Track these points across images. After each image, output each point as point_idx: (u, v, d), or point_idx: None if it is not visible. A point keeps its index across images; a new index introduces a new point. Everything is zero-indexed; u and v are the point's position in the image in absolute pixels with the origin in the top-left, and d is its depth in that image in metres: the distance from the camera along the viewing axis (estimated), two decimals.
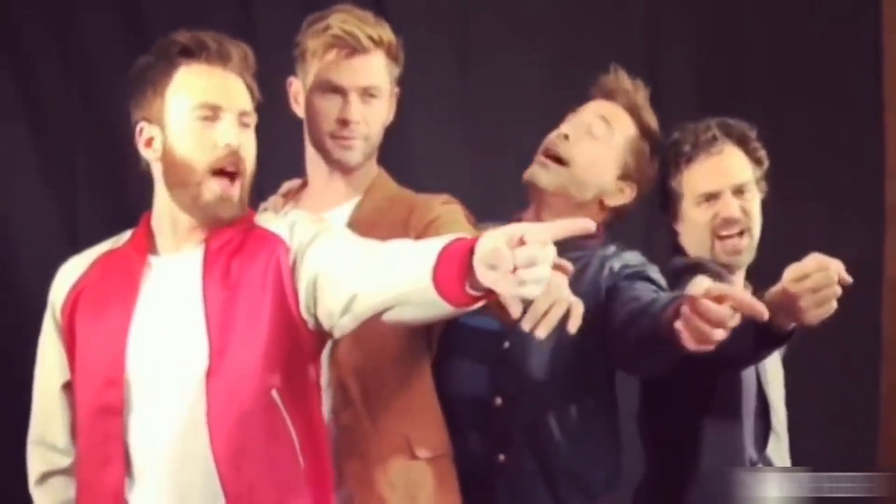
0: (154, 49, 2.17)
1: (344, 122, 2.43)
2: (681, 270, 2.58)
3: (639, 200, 2.65)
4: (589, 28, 3.61)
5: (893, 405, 3.68)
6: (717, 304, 1.96)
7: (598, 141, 2.58)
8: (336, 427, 2.35)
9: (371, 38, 2.41)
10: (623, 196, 2.61)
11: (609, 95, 2.63)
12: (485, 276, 1.75)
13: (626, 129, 2.60)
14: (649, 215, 3.54)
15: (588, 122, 2.59)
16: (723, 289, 2.00)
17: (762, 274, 2.65)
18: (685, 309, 1.99)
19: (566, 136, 2.58)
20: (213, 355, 2.09)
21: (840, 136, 3.66)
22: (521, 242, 1.71)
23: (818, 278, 2.03)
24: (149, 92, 2.15)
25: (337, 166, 2.47)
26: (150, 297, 2.15)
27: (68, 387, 2.22)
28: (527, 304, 1.82)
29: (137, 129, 2.17)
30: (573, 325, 1.86)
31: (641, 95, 2.64)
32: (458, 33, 3.61)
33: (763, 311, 1.97)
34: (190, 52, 2.13)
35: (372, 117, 2.45)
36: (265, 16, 3.53)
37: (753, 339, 2.16)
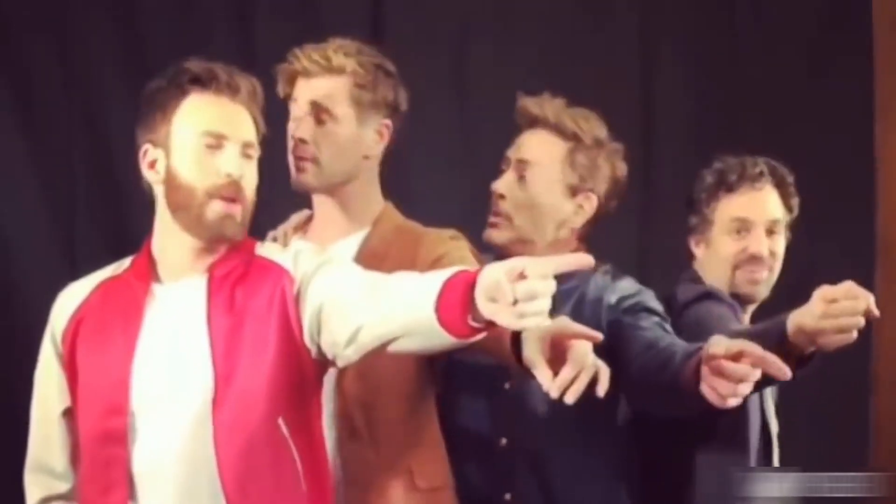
0: (165, 74, 2.20)
1: (294, 140, 2.46)
2: (691, 299, 2.59)
3: (606, 205, 2.61)
4: (586, 62, 3.64)
5: (883, 435, 3.69)
6: (737, 363, 1.97)
7: (530, 183, 2.56)
8: (340, 457, 2.36)
9: (316, 63, 2.43)
10: (584, 211, 2.58)
11: (530, 124, 2.60)
12: (485, 308, 1.78)
13: (552, 153, 2.56)
14: (641, 238, 3.57)
15: (518, 169, 2.57)
16: (740, 345, 2.00)
17: (772, 302, 2.67)
18: (705, 371, 2.01)
19: (502, 196, 2.56)
20: (219, 383, 2.11)
21: (832, 170, 3.68)
22: (522, 276, 1.74)
23: (846, 305, 2.05)
24: (157, 115, 2.17)
25: (297, 188, 2.49)
26: (154, 325, 2.17)
27: (68, 413, 2.23)
28: (555, 370, 1.88)
29: (142, 150, 2.20)
30: (601, 390, 1.89)
31: (555, 107, 2.58)
32: (456, 64, 3.63)
33: (784, 370, 1.97)
34: (200, 81, 2.16)
35: (326, 140, 2.44)
36: (263, 41, 3.55)
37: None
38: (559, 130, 2.56)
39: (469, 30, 3.70)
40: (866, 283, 3.59)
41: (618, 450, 2.57)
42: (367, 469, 2.37)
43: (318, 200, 2.53)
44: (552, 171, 2.55)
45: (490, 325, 1.83)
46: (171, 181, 2.16)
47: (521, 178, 2.56)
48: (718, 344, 2.01)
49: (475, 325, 1.85)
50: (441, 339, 1.90)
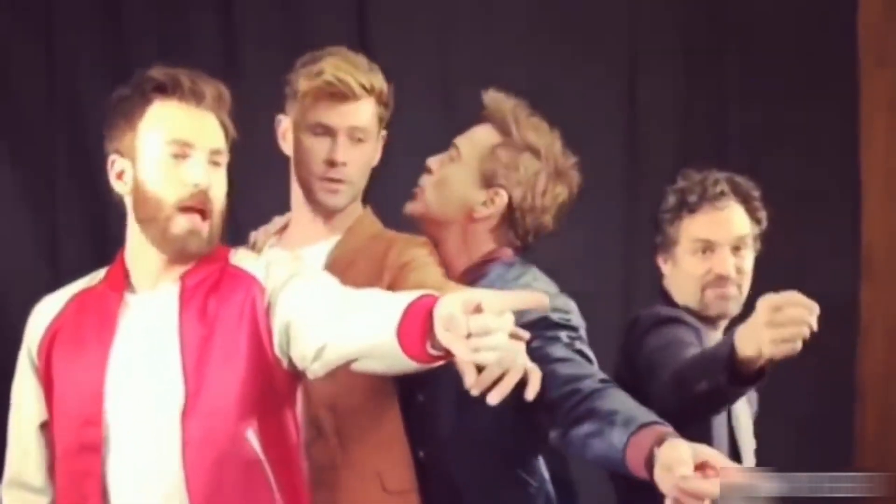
0: (130, 82, 2.17)
1: (331, 163, 2.46)
2: (651, 325, 2.55)
3: (525, 215, 2.52)
4: (571, 72, 3.66)
5: (868, 441, 3.70)
6: (704, 482, 1.93)
7: (451, 163, 2.56)
8: (308, 460, 2.34)
9: (363, 86, 2.45)
10: (493, 205, 2.52)
11: (485, 118, 2.59)
12: (443, 338, 1.78)
13: (480, 143, 2.55)
14: (630, 260, 3.56)
15: (450, 151, 2.59)
16: (701, 455, 1.96)
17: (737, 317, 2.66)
18: (674, 489, 1.94)
19: (430, 170, 2.59)
20: (189, 394, 2.09)
21: (817, 179, 3.70)
22: (479, 310, 1.73)
23: (791, 313, 2.03)
24: (122, 125, 2.15)
25: (320, 209, 2.50)
26: (128, 335, 2.14)
27: (45, 426, 2.20)
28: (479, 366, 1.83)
29: (109, 161, 2.17)
30: (531, 393, 1.87)
31: (502, 102, 2.56)
32: (442, 74, 3.64)
33: (752, 482, 1.93)
34: (163, 89, 2.13)
35: (359, 160, 2.49)
36: (249, 51, 3.56)
37: (725, 378, 2.16)
38: (495, 122, 2.56)
39: (454, 41, 3.71)
40: (851, 290, 3.66)
41: (539, 480, 2.50)
42: (335, 471, 2.37)
43: (299, 206, 2.54)
44: (473, 155, 2.54)
45: (449, 353, 1.81)
46: (138, 192, 2.14)
47: (449, 158, 2.57)
48: (683, 462, 1.94)
49: (434, 352, 1.84)
50: (403, 362, 1.89)
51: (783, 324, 2.03)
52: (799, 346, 2.04)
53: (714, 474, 1.93)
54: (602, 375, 2.27)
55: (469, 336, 1.72)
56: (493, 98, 2.58)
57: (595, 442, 2.15)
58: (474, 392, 1.85)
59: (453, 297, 1.78)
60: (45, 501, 2.22)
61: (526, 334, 1.91)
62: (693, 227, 2.66)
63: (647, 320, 2.59)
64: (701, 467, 1.94)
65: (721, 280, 2.64)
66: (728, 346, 2.14)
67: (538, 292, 1.84)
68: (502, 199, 2.52)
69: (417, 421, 2.47)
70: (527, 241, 2.56)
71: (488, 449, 2.44)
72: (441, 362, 1.87)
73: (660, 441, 2.01)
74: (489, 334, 1.72)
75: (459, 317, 1.73)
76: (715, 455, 1.96)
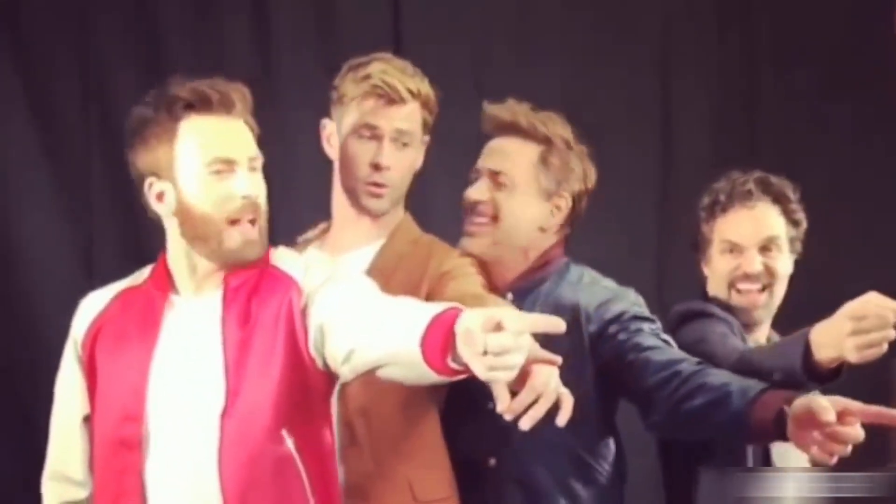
0: (152, 102, 2.15)
1: (376, 167, 2.47)
2: (684, 317, 2.58)
3: (578, 206, 2.59)
4: (605, 75, 3.65)
5: None
6: (850, 428, 2.02)
7: (508, 191, 2.54)
8: (340, 464, 2.34)
9: (410, 91, 2.47)
10: (560, 212, 2.56)
11: (500, 130, 2.58)
12: (462, 352, 1.79)
13: (526, 159, 2.54)
14: (661, 257, 3.55)
15: (492, 178, 2.55)
16: (840, 403, 2.03)
17: (793, 316, 2.59)
18: (819, 436, 2.03)
19: (478, 203, 2.55)
20: (229, 395, 2.10)
21: (857, 178, 3.67)
22: (499, 328, 1.73)
23: (874, 321, 2.04)
24: (154, 146, 2.13)
25: (364, 212, 2.52)
26: (171, 335, 2.16)
27: (87, 420, 2.23)
28: (513, 390, 1.85)
29: (146, 183, 2.16)
30: (562, 419, 1.89)
31: (525, 111, 2.56)
32: (476, 78, 3.64)
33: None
34: (192, 106, 2.13)
35: (403, 164, 2.50)
36: (283, 54, 3.56)
37: (805, 378, 2.17)
38: (530, 135, 2.55)
39: (488, 45, 3.71)
40: (894, 290, 3.62)
41: (609, 469, 2.53)
42: (367, 479, 2.38)
43: (341, 210, 2.55)
44: (527, 176, 2.54)
45: (469, 368, 1.82)
46: (184, 213, 2.14)
47: (498, 185, 2.54)
48: (826, 409, 2.01)
49: (455, 366, 1.85)
50: (426, 373, 1.90)
51: (868, 330, 2.04)
52: (884, 348, 2.06)
53: (855, 421, 2.02)
54: (696, 359, 2.34)
55: (485, 354, 1.73)
56: (506, 108, 2.56)
57: (711, 411, 2.22)
58: (507, 417, 1.87)
59: (475, 313, 1.79)
60: (85, 494, 2.25)
61: (558, 359, 1.92)
62: (723, 227, 2.66)
63: (673, 317, 2.61)
64: (841, 416, 2.01)
65: (748, 278, 2.62)
66: (803, 351, 2.15)
67: (559, 321, 1.83)
68: (568, 202, 2.57)
69: (488, 430, 2.43)
70: (574, 226, 2.61)
71: (562, 448, 2.46)
72: (463, 376, 1.87)
73: (788, 400, 2.09)
74: (506, 353, 1.73)
75: (477, 333, 1.74)
76: (851, 403, 2.03)
